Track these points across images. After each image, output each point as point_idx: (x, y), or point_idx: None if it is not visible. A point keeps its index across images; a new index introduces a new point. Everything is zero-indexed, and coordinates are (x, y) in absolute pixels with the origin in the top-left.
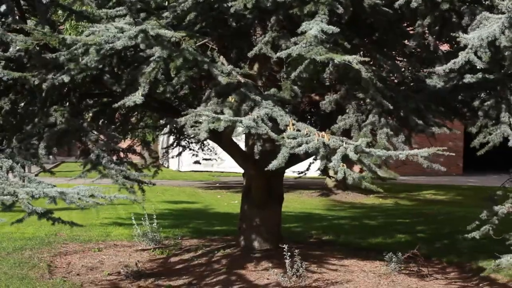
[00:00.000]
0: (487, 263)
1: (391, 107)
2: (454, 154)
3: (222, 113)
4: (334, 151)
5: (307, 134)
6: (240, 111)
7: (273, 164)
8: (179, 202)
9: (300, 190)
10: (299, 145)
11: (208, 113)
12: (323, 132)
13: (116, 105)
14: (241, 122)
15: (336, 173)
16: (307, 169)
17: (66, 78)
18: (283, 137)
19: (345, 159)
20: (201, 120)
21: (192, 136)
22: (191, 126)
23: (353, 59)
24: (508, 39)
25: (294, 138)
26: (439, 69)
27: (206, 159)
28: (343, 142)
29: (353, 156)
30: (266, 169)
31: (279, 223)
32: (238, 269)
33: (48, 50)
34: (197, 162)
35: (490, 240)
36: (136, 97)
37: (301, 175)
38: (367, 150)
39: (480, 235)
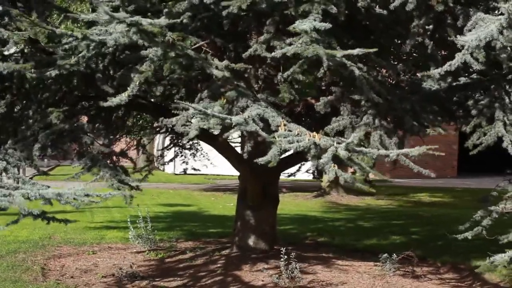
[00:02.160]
0: (482, 264)
1: (381, 101)
2: (444, 154)
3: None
4: (325, 151)
5: (298, 134)
6: (232, 112)
7: (263, 159)
8: (174, 205)
9: (295, 192)
10: (290, 143)
11: (196, 106)
12: (314, 132)
13: (103, 104)
14: (230, 119)
15: (326, 173)
16: (298, 170)
17: (53, 72)
18: (273, 137)
19: (336, 158)
20: (191, 119)
21: (184, 135)
22: (182, 125)
23: (356, 52)
24: (507, 39)
25: (285, 137)
26: (434, 72)
27: (195, 169)
28: (334, 142)
29: (344, 154)
30: (255, 160)
31: (274, 224)
32: (233, 271)
33: (43, 52)
34: (185, 170)
35: (485, 240)
36: (119, 98)
37: (291, 176)
38: (358, 149)
39: (472, 235)
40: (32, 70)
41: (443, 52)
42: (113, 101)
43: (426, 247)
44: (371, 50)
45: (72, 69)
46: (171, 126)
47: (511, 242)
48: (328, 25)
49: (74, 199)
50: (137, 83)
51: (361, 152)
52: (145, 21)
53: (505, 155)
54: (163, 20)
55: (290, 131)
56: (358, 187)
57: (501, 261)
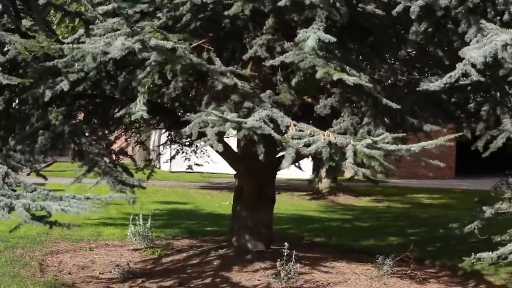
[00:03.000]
0: (480, 266)
1: (393, 104)
2: (461, 139)
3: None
4: (339, 149)
5: (310, 134)
6: (239, 114)
7: (285, 166)
8: (170, 203)
9: (291, 192)
10: (307, 145)
11: (216, 112)
12: (327, 131)
13: (118, 114)
14: (245, 123)
15: (338, 171)
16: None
17: (65, 87)
18: (285, 138)
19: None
20: (205, 125)
21: (199, 144)
22: (200, 137)
23: (352, 80)
24: (511, 55)
25: (299, 138)
26: (434, 84)
27: (197, 165)
28: (350, 140)
29: (366, 151)
30: (279, 169)
31: (270, 224)
32: (229, 270)
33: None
34: (189, 167)
35: (483, 242)
36: (139, 109)
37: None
38: (379, 145)
39: (465, 232)
40: (47, 85)
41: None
42: (138, 113)
43: (423, 249)
44: (368, 84)
45: (82, 79)
46: (185, 136)
47: (505, 241)
48: (333, 38)
49: (77, 213)
50: (146, 88)
51: (381, 149)
52: (151, 42)
53: (502, 156)
54: (167, 43)
55: (302, 130)
56: (380, 177)
57: (487, 258)
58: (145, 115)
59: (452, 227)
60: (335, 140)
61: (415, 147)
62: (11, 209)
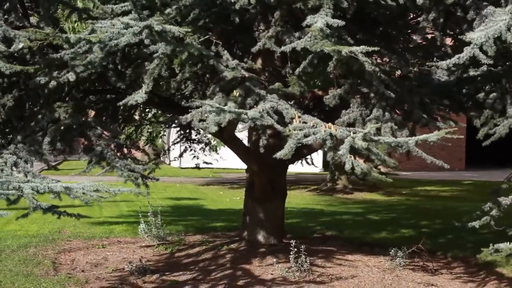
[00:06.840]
0: (492, 258)
1: (393, 95)
2: (462, 136)
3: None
4: (341, 142)
5: (313, 125)
6: (245, 105)
7: (280, 154)
8: (181, 199)
9: (303, 185)
10: (306, 136)
11: (212, 103)
12: (329, 124)
13: (120, 103)
14: (246, 114)
15: (343, 165)
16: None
17: (71, 77)
18: (289, 129)
19: (353, 149)
20: (206, 115)
21: (200, 130)
22: (199, 121)
23: (360, 50)
24: None
25: (300, 130)
26: (442, 63)
27: (206, 162)
28: (350, 132)
29: (361, 144)
30: (273, 156)
31: (282, 218)
32: (242, 264)
33: (51, 48)
34: (197, 166)
35: (495, 234)
36: (139, 96)
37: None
38: (376, 138)
39: (480, 224)
40: (50, 76)
41: (452, 42)
42: (134, 99)
43: (436, 241)
44: (375, 48)
45: (89, 71)
46: (185, 123)
47: None
48: (341, 22)
49: (83, 193)
50: (151, 78)
51: (378, 142)
52: (157, 27)
53: None
54: (174, 28)
55: (305, 123)
56: (374, 177)
57: (506, 248)
58: (140, 100)
59: (465, 221)
60: (335, 132)
61: (412, 140)
62: (19, 191)
